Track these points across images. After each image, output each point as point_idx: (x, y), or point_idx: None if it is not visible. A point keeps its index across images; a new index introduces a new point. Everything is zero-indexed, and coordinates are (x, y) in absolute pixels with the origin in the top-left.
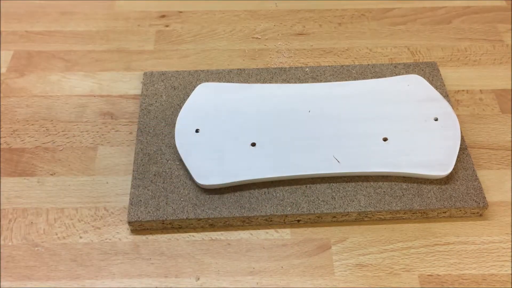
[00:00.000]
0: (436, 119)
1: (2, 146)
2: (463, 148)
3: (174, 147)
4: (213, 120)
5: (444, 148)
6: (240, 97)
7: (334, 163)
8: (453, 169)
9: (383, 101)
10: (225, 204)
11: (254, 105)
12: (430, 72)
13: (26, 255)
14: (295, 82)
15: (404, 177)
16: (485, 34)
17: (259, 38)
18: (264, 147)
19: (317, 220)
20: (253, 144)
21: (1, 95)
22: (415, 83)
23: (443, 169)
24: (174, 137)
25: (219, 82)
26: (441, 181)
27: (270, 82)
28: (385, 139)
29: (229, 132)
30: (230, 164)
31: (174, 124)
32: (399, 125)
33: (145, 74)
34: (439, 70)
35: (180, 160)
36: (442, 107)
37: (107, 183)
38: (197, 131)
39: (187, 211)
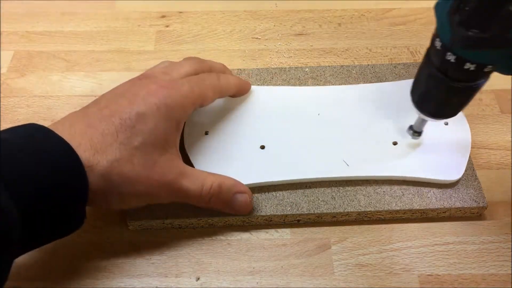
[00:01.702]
0: (446, 124)
1: None
2: None
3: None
4: (223, 123)
5: (454, 153)
6: (250, 99)
7: (343, 167)
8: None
9: (393, 104)
10: None
11: (263, 107)
12: None
13: (26, 255)
14: (295, 82)
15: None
16: None
17: (259, 38)
18: (273, 150)
19: (317, 220)
20: (262, 147)
21: (2, 95)
22: None
23: (454, 174)
24: (183, 140)
25: None
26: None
27: (270, 82)
28: (395, 143)
29: (238, 134)
30: (239, 166)
31: None
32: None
33: None
34: None
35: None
36: None
37: None
38: (206, 133)
39: (187, 211)
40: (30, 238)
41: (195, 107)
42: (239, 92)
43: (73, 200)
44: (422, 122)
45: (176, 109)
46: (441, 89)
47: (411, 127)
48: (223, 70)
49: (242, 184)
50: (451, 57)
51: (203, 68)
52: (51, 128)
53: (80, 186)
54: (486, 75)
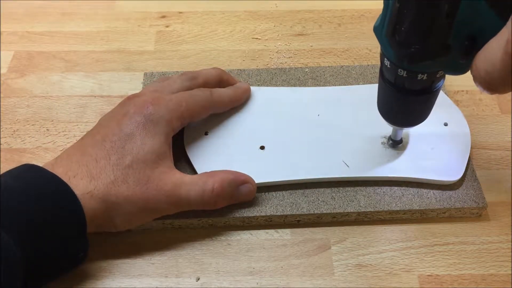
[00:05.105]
0: (446, 124)
1: (2, 146)
2: None
3: (176, 147)
4: (222, 123)
5: (454, 153)
6: (250, 99)
7: (343, 167)
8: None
9: None
10: None
11: (263, 108)
12: None
13: None
14: (295, 83)
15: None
16: None
17: (259, 39)
18: (273, 150)
19: (317, 220)
20: (262, 147)
21: (2, 95)
22: None
23: (454, 175)
24: (183, 140)
25: None
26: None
27: (270, 83)
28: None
29: (238, 135)
30: (239, 167)
31: None
32: (408, 130)
33: (145, 74)
34: None
35: (182, 161)
36: (452, 112)
37: None
38: (206, 133)
39: (187, 212)
40: (33, 277)
41: (183, 122)
42: (235, 104)
43: (71, 233)
44: (398, 132)
45: (162, 124)
46: (406, 102)
47: (389, 138)
48: (219, 78)
49: (242, 173)
50: (402, 73)
51: (197, 83)
52: (51, 162)
53: (75, 214)
54: (441, 78)
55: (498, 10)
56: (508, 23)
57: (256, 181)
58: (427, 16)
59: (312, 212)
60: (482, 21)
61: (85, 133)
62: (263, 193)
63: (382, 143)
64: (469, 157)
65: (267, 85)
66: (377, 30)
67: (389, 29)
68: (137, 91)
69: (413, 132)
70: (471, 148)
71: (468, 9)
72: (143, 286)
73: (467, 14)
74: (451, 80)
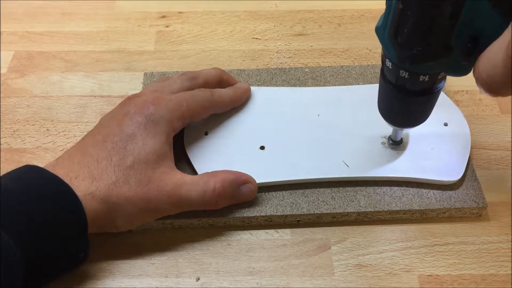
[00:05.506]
0: (446, 124)
1: (2, 146)
2: None
3: (176, 147)
4: (222, 123)
5: (454, 153)
6: (250, 99)
7: (343, 167)
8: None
9: None
10: None
11: (263, 108)
12: None
13: None
14: (295, 83)
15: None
16: None
17: (259, 39)
18: (273, 150)
19: (317, 220)
20: (262, 148)
21: (2, 95)
22: None
23: (454, 175)
24: (183, 140)
25: None
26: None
27: (270, 83)
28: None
29: (238, 135)
30: (239, 167)
31: None
32: (408, 130)
33: (145, 74)
34: None
35: (182, 161)
36: (452, 112)
37: None
38: (206, 133)
39: (187, 212)
40: (33, 277)
41: (184, 122)
42: (236, 104)
43: (71, 233)
44: (398, 132)
45: (162, 124)
46: (407, 102)
47: (389, 138)
48: (219, 78)
49: (243, 173)
50: (404, 74)
51: (197, 83)
52: (53, 163)
53: (75, 214)
54: (442, 79)
55: (501, 11)
56: (510, 27)
57: (256, 181)
58: (430, 18)
59: (312, 212)
60: (485, 22)
61: (85, 133)
62: (263, 193)
63: (382, 143)
64: (469, 157)
65: (267, 85)
66: (379, 31)
67: (391, 30)
68: (137, 91)
69: (413, 132)
70: (471, 148)
71: (471, 10)
72: (143, 286)
73: (470, 15)
74: (451, 80)
